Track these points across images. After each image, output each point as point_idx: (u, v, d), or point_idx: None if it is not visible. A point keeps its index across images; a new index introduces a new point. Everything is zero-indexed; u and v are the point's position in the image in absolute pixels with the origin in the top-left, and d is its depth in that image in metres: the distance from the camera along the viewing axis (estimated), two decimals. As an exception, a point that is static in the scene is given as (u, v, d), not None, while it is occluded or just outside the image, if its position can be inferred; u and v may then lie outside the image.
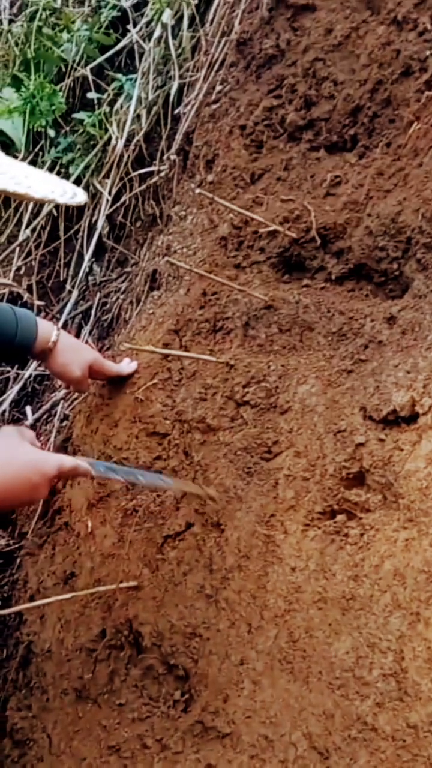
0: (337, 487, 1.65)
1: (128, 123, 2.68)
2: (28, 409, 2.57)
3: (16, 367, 2.69)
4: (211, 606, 1.70)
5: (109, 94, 2.82)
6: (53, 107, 2.81)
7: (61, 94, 2.87)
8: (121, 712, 1.76)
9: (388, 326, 1.76)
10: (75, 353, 1.97)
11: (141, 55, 2.79)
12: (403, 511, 1.53)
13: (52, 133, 2.87)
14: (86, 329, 2.61)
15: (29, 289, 2.83)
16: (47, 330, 1.93)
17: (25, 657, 2.03)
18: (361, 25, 2.08)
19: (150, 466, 1.91)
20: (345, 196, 1.98)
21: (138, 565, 1.85)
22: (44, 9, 3.06)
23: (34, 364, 2.60)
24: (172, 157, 2.43)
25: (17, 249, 2.85)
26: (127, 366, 2.05)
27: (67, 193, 1.54)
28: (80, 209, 2.82)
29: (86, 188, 2.66)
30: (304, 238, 2.00)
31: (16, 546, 2.32)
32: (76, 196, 1.55)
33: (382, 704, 1.42)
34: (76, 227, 2.82)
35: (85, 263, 2.70)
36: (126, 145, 2.68)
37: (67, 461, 1.65)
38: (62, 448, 2.22)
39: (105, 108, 2.79)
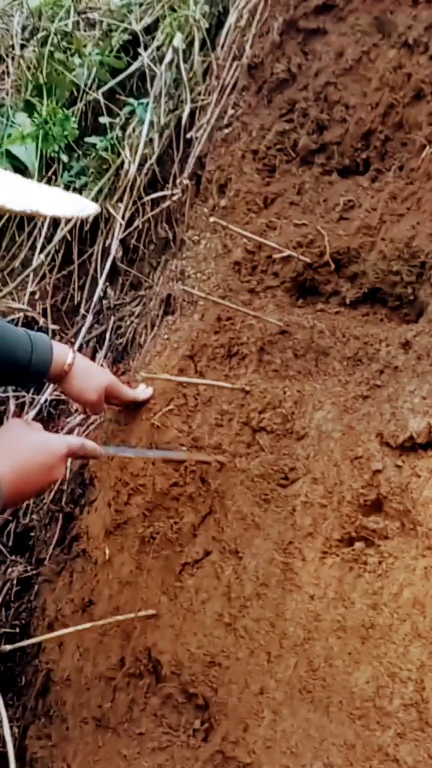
0: (355, 514, 1.64)
1: (141, 147, 2.70)
2: (44, 433, 2.57)
3: (32, 391, 2.70)
4: (230, 634, 1.70)
5: (121, 118, 2.83)
6: (65, 133, 2.82)
7: (73, 118, 2.88)
8: (141, 741, 1.75)
9: (404, 351, 1.76)
10: (91, 376, 1.97)
11: (152, 78, 2.80)
12: (421, 539, 1.53)
13: (64, 158, 2.89)
14: (101, 353, 2.61)
15: (44, 313, 2.84)
16: (63, 353, 1.93)
17: (44, 685, 2.02)
18: (372, 49, 2.09)
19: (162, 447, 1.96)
20: (358, 220, 1.98)
21: (156, 592, 1.85)
22: (56, 34, 3.08)
23: (50, 388, 2.61)
24: (185, 181, 2.44)
25: (31, 274, 2.86)
26: (142, 392, 2.05)
27: (76, 206, 1.54)
28: (93, 233, 2.83)
29: (99, 212, 2.67)
30: (318, 263, 2.00)
31: (34, 572, 2.32)
32: (85, 209, 1.55)
33: (403, 735, 1.41)
34: (90, 251, 2.83)
35: (99, 287, 2.71)
36: (139, 169, 2.69)
37: (73, 440, 1.73)
38: (79, 474, 2.23)
39: (117, 132, 2.80)
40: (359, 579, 1.58)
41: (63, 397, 2.57)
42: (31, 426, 1.67)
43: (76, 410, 2.48)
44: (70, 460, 1.88)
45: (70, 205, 1.53)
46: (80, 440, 1.73)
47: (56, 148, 2.86)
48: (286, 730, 1.55)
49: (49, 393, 2.62)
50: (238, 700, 1.64)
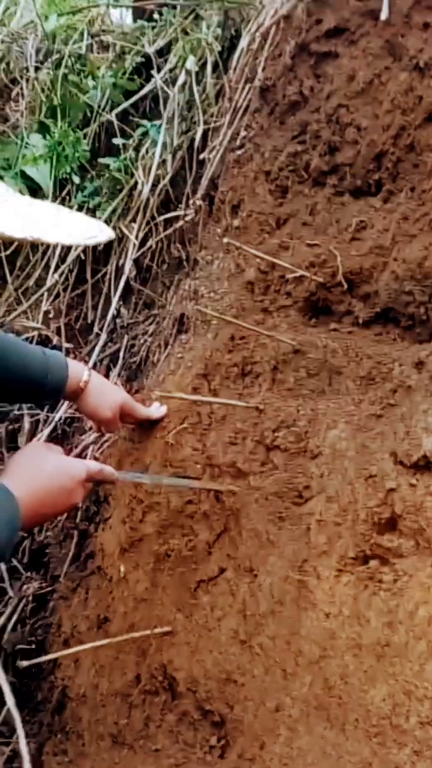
0: (370, 533, 1.65)
1: (154, 168, 2.73)
2: (59, 451, 2.59)
3: (46, 409, 2.73)
4: (246, 652, 1.71)
5: (134, 140, 2.87)
6: (77, 154, 2.86)
7: (85, 141, 2.92)
8: (157, 757, 1.76)
9: (417, 371, 1.78)
10: (106, 394, 1.99)
11: (165, 100, 2.84)
12: (436, 557, 1.55)
13: (76, 179, 2.93)
14: (115, 371, 2.64)
15: (57, 331, 2.87)
16: (78, 371, 1.95)
17: (60, 701, 2.04)
18: (383, 72, 2.12)
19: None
20: (370, 240, 2.01)
21: (171, 610, 1.86)
22: (69, 56, 3.13)
23: (65, 406, 2.63)
24: (198, 202, 2.47)
25: (45, 293, 2.90)
26: (156, 410, 2.07)
27: (87, 233, 1.55)
28: (107, 253, 2.86)
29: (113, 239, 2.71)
30: (331, 283, 2.03)
31: (49, 589, 2.34)
32: (96, 237, 1.56)
33: (420, 753, 1.42)
34: (103, 271, 2.86)
35: (113, 306, 2.74)
36: (152, 190, 2.72)
37: (93, 464, 1.75)
38: (94, 491, 2.24)
39: (130, 153, 2.83)
40: (374, 597, 1.59)
41: (77, 414, 2.59)
42: (51, 449, 1.69)
43: (90, 428, 2.50)
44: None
45: (81, 231, 1.54)
46: (99, 465, 1.75)
47: (68, 169, 2.90)
48: (303, 747, 1.56)
49: (63, 411, 2.64)
50: (254, 717, 1.65)
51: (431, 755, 1.39)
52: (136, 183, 2.79)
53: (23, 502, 1.53)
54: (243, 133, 2.41)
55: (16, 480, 1.57)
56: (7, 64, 3.28)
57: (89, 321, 2.88)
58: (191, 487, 1.92)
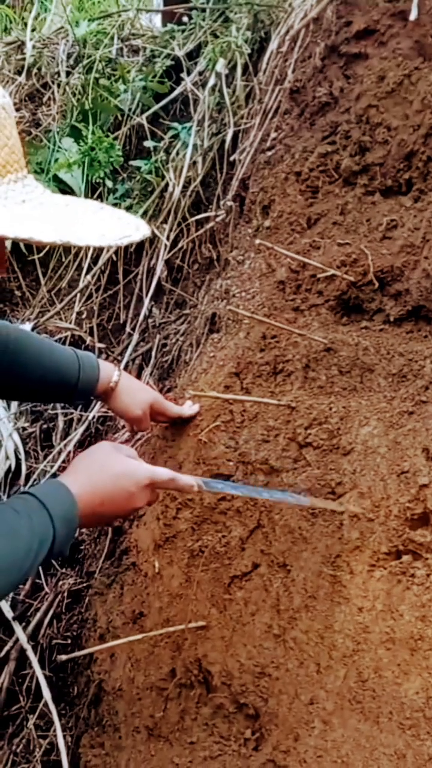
0: (402, 528, 1.67)
1: (184, 169, 2.77)
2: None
3: (80, 408, 2.76)
4: (280, 646, 1.73)
5: (165, 142, 2.90)
6: (111, 159, 2.90)
7: (118, 144, 2.96)
8: (192, 750, 1.79)
9: (448, 368, 1.79)
10: (136, 393, 2.02)
11: (195, 102, 2.87)
12: (468, 552, 1.56)
13: (109, 183, 2.97)
14: (147, 371, 2.67)
15: (90, 332, 2.90)
16: (109, 371, 1.99)
17: (96, 695, 2.07)
18: (413, 72, 2.13)
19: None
20: (401, 239, 2.02)
21: (206, 605, 1.88)
22: (100, 61, 3.17)
23: (98, 405, 2.67)
24: (229, 203, 2.49)
25: (78, 294, 2.94)
26: (188, 408, 2.09)
27: (121, 233, 1.54)
28: (138, 254, 2.90)
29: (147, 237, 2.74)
30: (362, 281, 2.04)
31: (84, 585, 2.37)
32: (130, 236, 1.52)
33: (453, 744, 1.44)
34: (135, 271, 2.90)
35: (145, 306, 2.77)
36: (183, 191, 2.76)
37: (162, 472, 1.68)
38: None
39: (161, 155, 2.87)
40: (407, 591, 1.60)
41: (110, 414, 2.63)
42: (120, 450, 1.68)
43: (123, 426, 2.53)
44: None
45: (115, 231, 1.53)
46: (171, 474, 1.69)
47: (102, 174, 2.94)
48: (337, 739, 1.58)
49: (96, 410, 2.68)
50: (288, 710, 1.67)
51: (465, 747, 1.41)
52: (167, 185, 2.82)
53: (81, 499, 1.54)
54: (273, 135, 2.43)
55: (76, 477, 1.58)
56: (39, 69, 3.33)
57: (121, 321, 2.92)
58: (298, 505, 1.81)
